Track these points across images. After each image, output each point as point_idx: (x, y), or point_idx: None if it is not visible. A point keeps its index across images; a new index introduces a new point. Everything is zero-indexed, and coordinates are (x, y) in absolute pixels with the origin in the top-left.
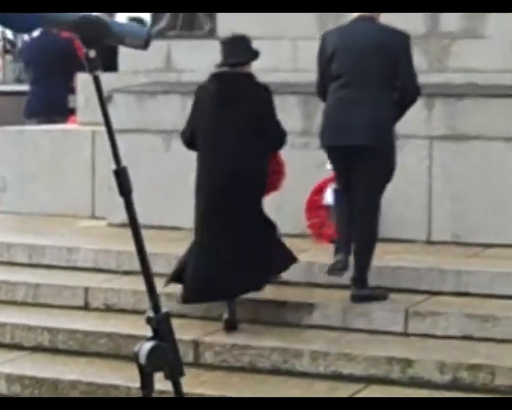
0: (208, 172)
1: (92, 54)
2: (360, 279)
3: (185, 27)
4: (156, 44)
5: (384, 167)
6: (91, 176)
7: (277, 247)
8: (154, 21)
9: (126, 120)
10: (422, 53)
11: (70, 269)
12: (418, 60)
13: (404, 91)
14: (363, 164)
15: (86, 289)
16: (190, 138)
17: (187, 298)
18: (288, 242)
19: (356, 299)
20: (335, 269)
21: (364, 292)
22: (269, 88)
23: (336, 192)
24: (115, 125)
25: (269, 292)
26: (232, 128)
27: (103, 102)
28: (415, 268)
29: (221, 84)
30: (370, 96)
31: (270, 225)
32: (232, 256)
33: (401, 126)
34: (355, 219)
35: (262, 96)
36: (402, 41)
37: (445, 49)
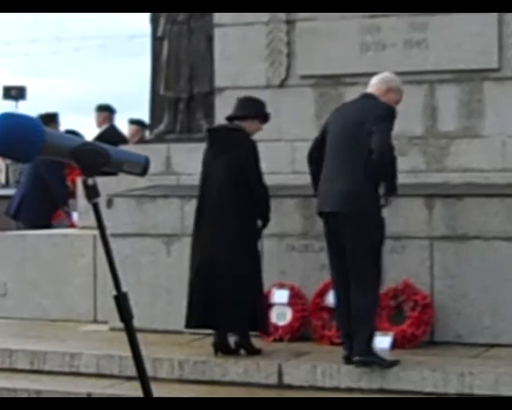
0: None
1: (91, 181)
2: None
3: (184, 130)
4: (156, 147)
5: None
6: (93, 280)
7: None
8: (154, 124)
9: (127, 224)
10: (421, 153)
11: (72, 375)
12: (416, 160)
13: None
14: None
15: (89, 395)
16: None
17: None
18: (286, 345)
19: (356, 363)
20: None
21: (368, 358)
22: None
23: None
24: (116, 228)
25: (271, 395)
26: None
27: (103, 229)
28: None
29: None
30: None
31: None
32: None
33: (402, 228)
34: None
35: (247, 148)
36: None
37: (444, 149)
